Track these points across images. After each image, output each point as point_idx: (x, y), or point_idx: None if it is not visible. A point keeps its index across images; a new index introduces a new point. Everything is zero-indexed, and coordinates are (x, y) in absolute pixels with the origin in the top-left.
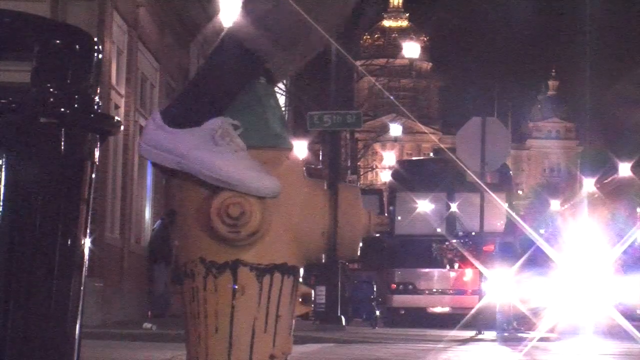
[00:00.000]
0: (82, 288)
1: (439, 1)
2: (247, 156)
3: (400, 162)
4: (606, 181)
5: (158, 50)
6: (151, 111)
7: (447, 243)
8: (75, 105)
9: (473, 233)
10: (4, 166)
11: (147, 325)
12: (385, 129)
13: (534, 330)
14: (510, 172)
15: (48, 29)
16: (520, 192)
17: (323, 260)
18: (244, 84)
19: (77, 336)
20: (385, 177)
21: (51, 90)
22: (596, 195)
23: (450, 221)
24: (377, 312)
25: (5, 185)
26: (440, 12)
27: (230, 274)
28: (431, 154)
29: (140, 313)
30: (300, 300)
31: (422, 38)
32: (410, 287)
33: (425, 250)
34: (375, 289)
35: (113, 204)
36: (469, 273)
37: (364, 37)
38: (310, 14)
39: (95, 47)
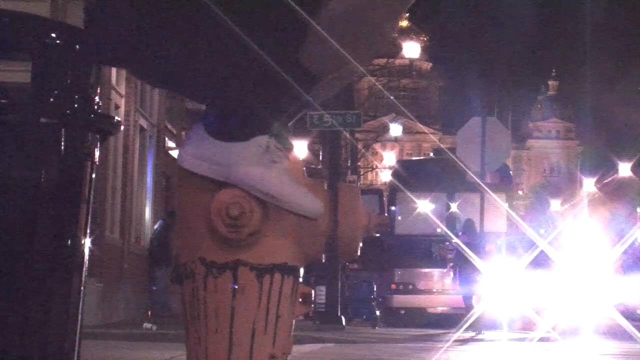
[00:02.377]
0: (82, 288)
1: (439, 1)
2: (291, 175)
3: (400, 162)
4: (606, 181)
5: None
6: (151, 111)
7: (447, 243)
8: (75, 105)
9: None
10: (4, 166)
11: (147, 325)
12: (385, 129)
13: (534, 330)
14: (511, 172)
15: (48, 29)
16: (520, 192)
17: (323, 260)
18: (297, 103)
19: (77, 336)
20: (385, 177)
21: (51, 90)
22: (596, 195)
23: (450, 221)
24: (377, 312)
25: (5, 185)
26: (440, 13)
27: (230, 274)
28: (431, 154)
29: (140, 313)
30: (300, 300)
31: (422, 38)
32: (410, 287)
33: (425, 250)
34: (375, 289)
35: (113, 204)
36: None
37: None
38: (349, 50)
39: None
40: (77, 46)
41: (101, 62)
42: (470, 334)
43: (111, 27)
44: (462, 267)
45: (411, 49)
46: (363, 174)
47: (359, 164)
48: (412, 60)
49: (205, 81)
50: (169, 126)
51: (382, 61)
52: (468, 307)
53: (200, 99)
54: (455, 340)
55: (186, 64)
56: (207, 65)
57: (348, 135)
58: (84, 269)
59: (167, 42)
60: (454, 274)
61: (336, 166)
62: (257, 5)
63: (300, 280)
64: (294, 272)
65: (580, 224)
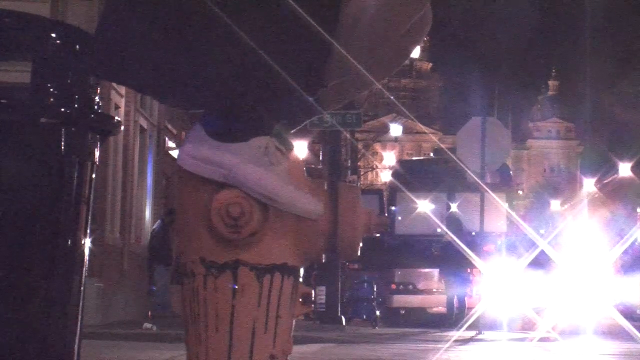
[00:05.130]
0: (82, 288)
1: (439, 1)
2: (291, 176)
3: (401, 162)
4: (606, 181)
5: None
6: (151, 111)
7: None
8: (75, 105)
9: (473, 233)
10: (4, 166)
11: (147, 325)
12: (385, 129)
13: (534, 330)
14: (510, 172)
15: (48, 29)
16: (520, 192)
17: (323, 260)
18: (300, 106)
19: (77, 336)
20: (385, 177)
21: (51, 90)
22: (596, 195)
23: (451, 221)
24: (377, 312)
25: (5, 185)
26: (440, 13)
27: (230, 274)
28: (431, 154)
29: (140, 313)
30: (300, 300)
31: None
32: (410, 287)
33: (426, 250)
34: (375, 289)
35: (113, 204)
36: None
37: None
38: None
39: None
40: (87, 61)
41: (105, 71)
42: (470, 333)
43: (121, 37)
44: (445, 265)
45: None
46: (363, 174)
47: (359, 164)
48: (412, 60)
49: (207, 85)
50: (169, 126)
51: None
52: (449, 308)
53: (199, 104)
54: (455, 340)
55: (190, 69)
56: (211, 69)
57: (348, 135)
58: (84, 269)
59: (175, 48)
60: (439, 273)
61: (336, 166)
62: (270, 13)
63: (300, 280)
64: (294, 272)
65: (580, 224)
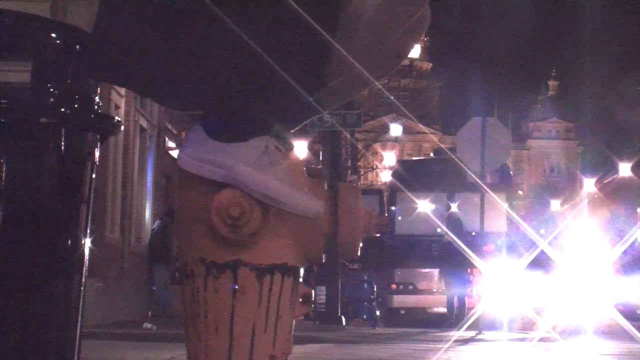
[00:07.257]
0: (82, 288)
1: (439, 1)
2: (290, 176)
3: (401, 162)
4: (606, 181)
5: None
6: (151, 111)
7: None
8: (75, 105)
9: (473, 233)
10: (4, 166)
11: (147, 325)
12: (385, 129)
13: (534, 330)
14: (510, 172)
15: (48, 29)
16: (520, 192)
17: (323, 260)
18: (300, 106)
19: (77, 336)
20: (385, 177)
21: (51, 90)
22: (596, 195)
23: (451, 222)
24: (377, 312)
25: (5, 186)
26: (440, 13)
27: (230, 274)
28: (431, 154)
29: (140, 313)
30: (300, 300)
31: (422, 38)
32: (411, 287)
33: (426, 250)
34: (375, 289)
35: (113, 204)
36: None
37: None
38: (363, 64)
39: None
40: (82, 61)
41: (102, 72)
42: (470, 333)
43: (117, 38)
44: (445, 265)
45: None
46: (363, 174)
47: (359, 164)
48: (412, 60)
49: (206, 86)
50: (169, 126)
51: None
52: (450, 308)
53: (198, 105)
54: (455, 340)
55: (189, 69)
56: (210, 69)
57: (348, 135)
58: (84, 269)
59: (172, 48)
60: (439, 273)
61: (336, 166)
62: (270, 12)
63: (300, 280)
64: (294, 272)
65: (580, 224)
